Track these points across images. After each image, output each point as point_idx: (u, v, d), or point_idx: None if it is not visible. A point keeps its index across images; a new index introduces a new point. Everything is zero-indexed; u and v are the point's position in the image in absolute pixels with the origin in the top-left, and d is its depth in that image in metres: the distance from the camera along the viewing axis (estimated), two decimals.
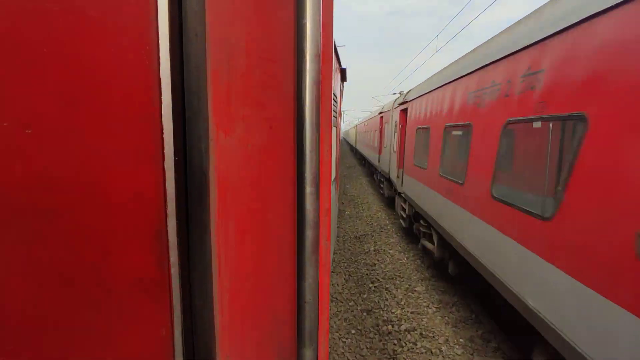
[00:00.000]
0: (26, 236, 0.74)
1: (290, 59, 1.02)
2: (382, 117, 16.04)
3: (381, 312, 6.01)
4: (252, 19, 0.99)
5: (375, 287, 6.90)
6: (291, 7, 1.00)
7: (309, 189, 1.00)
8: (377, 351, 4.97)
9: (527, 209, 3.50)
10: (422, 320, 5.72)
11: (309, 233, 1.02)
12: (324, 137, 1.07)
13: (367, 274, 7.53)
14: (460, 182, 5.34)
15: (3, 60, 0.70)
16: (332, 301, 6.27)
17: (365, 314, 5.97)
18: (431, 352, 4.96)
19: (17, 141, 0.71)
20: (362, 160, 31.70)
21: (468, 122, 5.13)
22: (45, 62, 0.72)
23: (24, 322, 0.80)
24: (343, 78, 8.70)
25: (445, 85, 6.41)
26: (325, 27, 1.04)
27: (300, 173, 1.00)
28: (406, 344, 5.10)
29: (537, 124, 3.43)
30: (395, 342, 5.16)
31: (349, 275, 7.49)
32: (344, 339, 5.18)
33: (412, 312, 6.04)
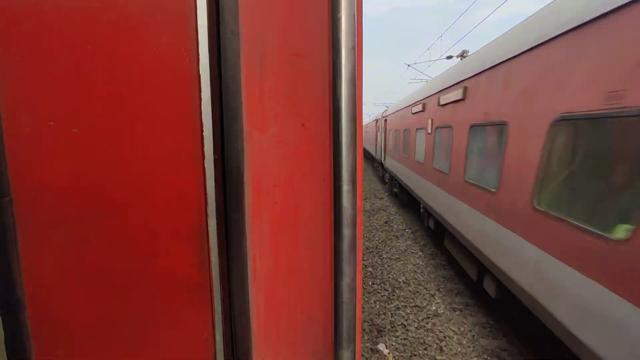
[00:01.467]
0: (73, 239, 0.73)
1: (325, 54, 1.00)
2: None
3: None
4: (284, 15, 0.97)
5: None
6: (325, 2, 0.98)
7: (346, 187, 0.98)
8: None
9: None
10: None
11: (346, 232, 1.00)
12: (359, 134, 1.05)
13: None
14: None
15: (47, 60, 0.69)
16: None
17: None
18: None
19: (64, 140, 0.70)
20: (366, 154, 35.52)
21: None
22: (88, 62, 0.71)
23: (71, 323, 0.79)
24: None
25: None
26: (358, 20, 1.01)
27: (337, 171, 0.98)
28: None
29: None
30: None
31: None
32: None
33: None
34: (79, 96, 0.71)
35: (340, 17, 0.94)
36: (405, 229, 9.93)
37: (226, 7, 0.87)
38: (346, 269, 1.02)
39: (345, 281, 1.02)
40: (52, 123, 0.69)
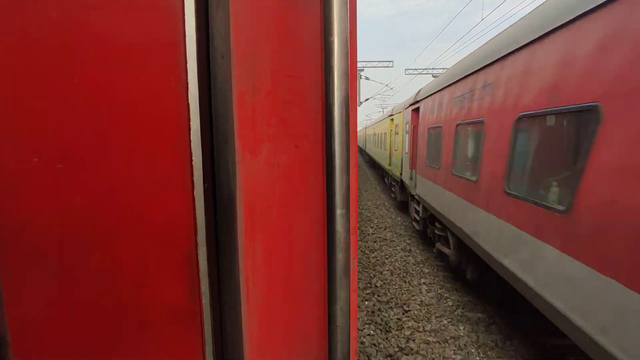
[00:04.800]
0: (59, 273, 0.72)
1: (318, 75, 0.99)
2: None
3: None
4: (277, 37, 0.96)
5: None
6: (317, 24, 0.97)
7: (339, 211, 0.97)
8: None
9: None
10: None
11: (340, 256, 0.98)
12: (352, 155, 1.04)
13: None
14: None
15: (31, 94, 0.69)
16: None
17: None
18: None
19: (48, 176, 0.70)
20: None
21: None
22: (73, 94, 0.71)
23: (61, 353, 0.78)
24: None
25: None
26: (351, 42, 1.00)
27: (331, 195, 0.97)
28: None
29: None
30: None
31: None
32: None
33: None
34: (64, 130, 0.70)
35: (333, 40, 0.93)
36: None
37: (217, 32, 0.86)
38: (340, 293, 1.00)
39: (339, 305, 1.01)
40: (36, 160, 0.68)
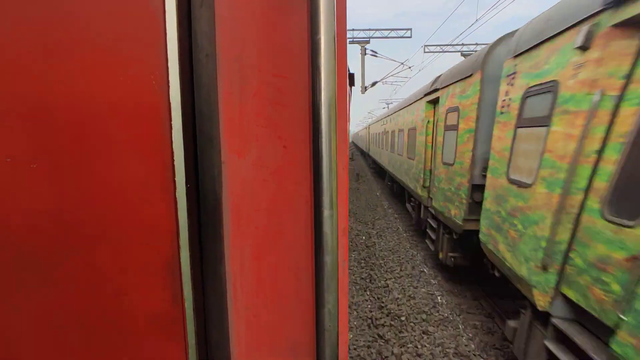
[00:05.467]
0: (36, 279, 0.70)
1: (305, 75, 0.98)
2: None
3: None
4: (264, 36, 0.94)
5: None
6: (304, 23, 0.96)
7: (326, 212, 0.95)
8: None
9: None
10: None
11: (327, 259, 0.97)
12: (340, 156, 1.02)
13: None
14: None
15: (8, 95, 0.67)
16: None
17: None
18: None
19: (22, 177, 0.68)
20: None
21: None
22: (50, 93, 0.69)
23: None
24: (351, 83, 8.65)
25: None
26: (339, 41, 0.99)
27: (318, 196, 0.95)
28: None
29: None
30: None
31: None
32: None
33: None
34: (38, 130, 0.68)
35: (319, 39, 0.91)
36: None
37: (200, 31, 0.84)
38: (328, 296, 0.98)
39: (327, 308, 0.99)
40: (9, 160, 0.66)
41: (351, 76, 8.12)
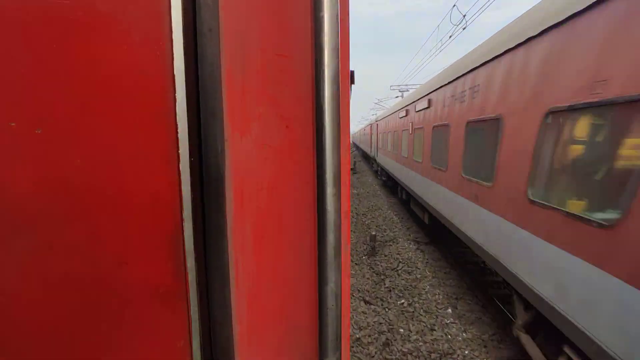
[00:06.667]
0: (39, 245, 0.70)
1: (308, 54, 0.98)
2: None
3: None
4: (267, 13, 0.94)
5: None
6: (308, 0, 0.96)
7: (330, 190, 0.95)
8: None
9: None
10: None
11: (330, 237, 0.97)
12: (343, 136, 1.02)
13: None
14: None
15: (10, 58, 0.67)
16: None
17: None
18: None
19: (26, 142, 0.67)
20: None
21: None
22: (54, 60, 0.69)
23: (38, 334, 0.76)
24: (351, 81, 8.65)
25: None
26: (342, 20, 0.99)
27: (321, 174, 0.95)
28: None
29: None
30: None
31: None
32: None
33: None
34: (42, 96, 0.68)
35: (323, 16, 0.91)
36: None
37: (204, 4, 0.84)
38: (330, 275, 0.98)
39: (330, 287, 0.99)
40: (13, 124, 0.66)
41: (351, 74, 8.13)
